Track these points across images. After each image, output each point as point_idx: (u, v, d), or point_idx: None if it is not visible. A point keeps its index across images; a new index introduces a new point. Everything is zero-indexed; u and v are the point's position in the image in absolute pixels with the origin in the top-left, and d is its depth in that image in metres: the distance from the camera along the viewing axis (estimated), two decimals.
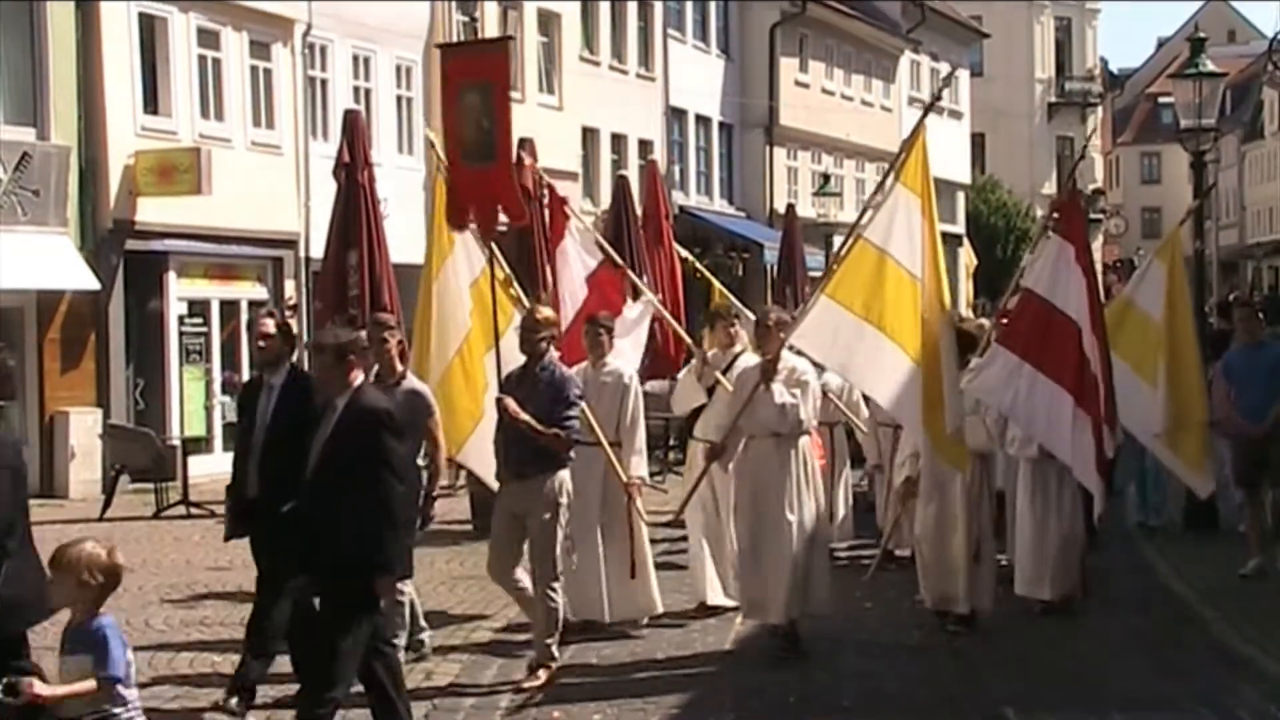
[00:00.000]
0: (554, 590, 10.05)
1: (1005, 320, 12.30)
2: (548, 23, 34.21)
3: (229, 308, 26.06)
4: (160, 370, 24.41)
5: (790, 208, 34.65)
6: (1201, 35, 18.91)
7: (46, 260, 21.56)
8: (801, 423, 10.66)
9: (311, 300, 24.27)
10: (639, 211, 21.97)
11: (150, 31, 24.30)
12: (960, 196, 56.24)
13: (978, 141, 60.32)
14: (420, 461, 10.03)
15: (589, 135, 35.79)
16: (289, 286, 26.80)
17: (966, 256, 54.34)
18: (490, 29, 32.21)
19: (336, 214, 19.05)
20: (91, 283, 22.19)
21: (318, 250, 20.52)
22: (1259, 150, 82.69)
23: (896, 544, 13.08)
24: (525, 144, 22.18)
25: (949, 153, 54.38)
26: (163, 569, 14.95)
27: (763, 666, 10.09)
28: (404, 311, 20.62)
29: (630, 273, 14.51)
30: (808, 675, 10.20)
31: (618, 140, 37.11)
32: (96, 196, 23.03)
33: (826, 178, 38.93)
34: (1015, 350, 11.26)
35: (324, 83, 27.94)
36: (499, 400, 10.08)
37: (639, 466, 11.40)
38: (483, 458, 11.36)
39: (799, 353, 10.99)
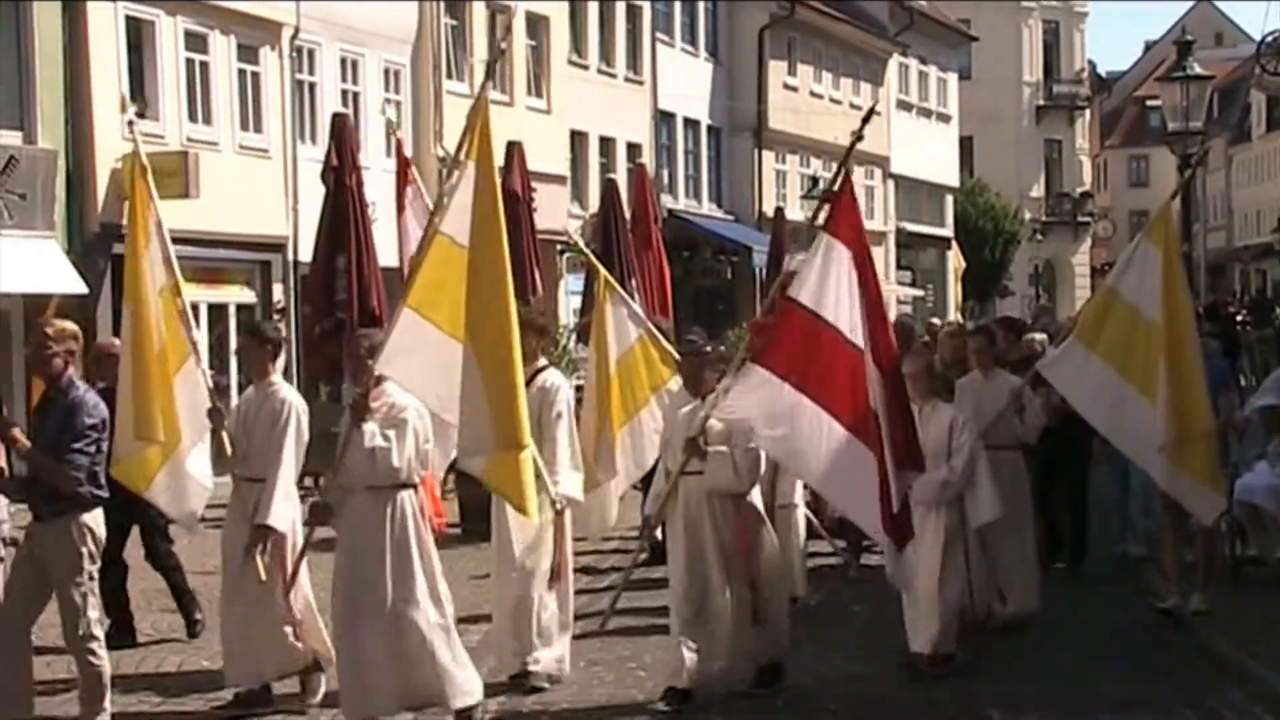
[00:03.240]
0: (93, 651, 8.77)
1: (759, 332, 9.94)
2: (536, 26, 34.20)
3: (217, 312, 26.02)
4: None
5: (779, 211, 34.70)
6: (1189, 38, 18.98)
7: (34, 264, 21.52)
8: (396, 470, 8.73)
9: (300, 304, 24.27)
10: (628, 215, 22.01)
11: (137, 35, 24.28)
12: (948, 199, 56.30)
13: (966, 144, 60.39)
14: None
15: (577, 139, 35.79)
16: (277, 290, 26.78)
17: (955, 260, 54.45)
18: (478, 32, 32.22)
19: (324, 218, 19.09)
20: (79, 286, 22.15)
21: (306, 254, 20.56)
22: (1246, 153, 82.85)
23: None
24: (514, 147, 22.28)
25: (937, 156, 54.49)
26: (150, 574, 14.87)
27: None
28: (392, 313, 20.47)
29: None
30: (794, 679, 10.20)
31: (606, 144, 37.11)
32: (84, 200, 23.00)
33: (815, 181, 38.96)
34: (776, 369, 9.21)
35: (312, 86, 27.93)
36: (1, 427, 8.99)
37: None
38: (178, 493, 10.12)
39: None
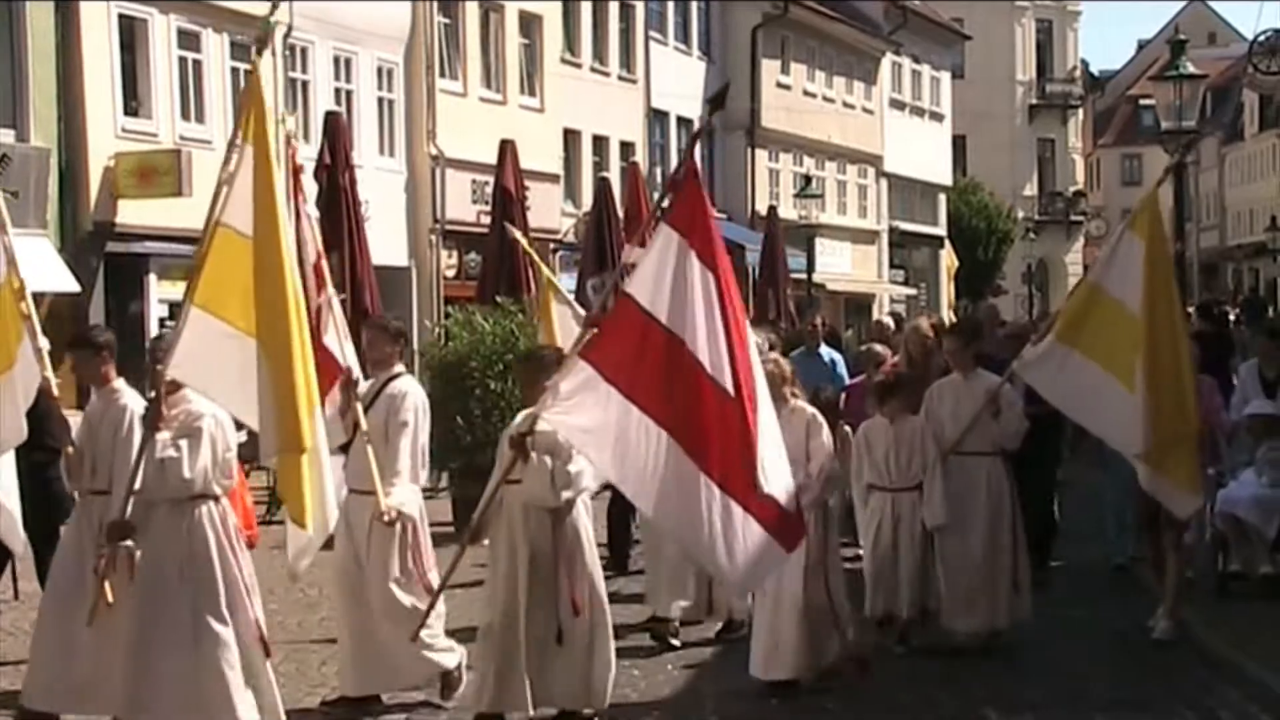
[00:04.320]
0: None
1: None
2: (529, 24, 34.17)
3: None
4: (141, 373, 24.34)
5: (772, 210, 34.69)
6: (1182, 38, 18.97)
7: (26, 262, 21.39)
8: (188, 482, 8.28)
9: None
10: (621, 214, 21.96)
11: (130, 33, 24.25)
12: (941, 199, 56.34)
13: (959, 143, 60.40)
14: None
15: (571, 137, 35.77)
16: None
17: (948, 259, 54.46)
18: (471, 30, 32.20)
19: (318, 216, 19.06)
20: (72, 285, 22.12)
21: None
22: (1239, 152, 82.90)
23: None
24: (507, 146, 22.26)
25: (930, 155, 54.50)
26: None
27: (745, 669, 10.06)
28: (385, 312, 20.58)
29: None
30: None
31: (599, 142, 37.10)
32: (76, 198, 22.97)
33: (808, 180, 38.96)
34: (604, 370, 8.05)
35: (305, 84, 27.91)
36: None
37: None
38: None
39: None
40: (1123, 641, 11.38)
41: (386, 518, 9.22)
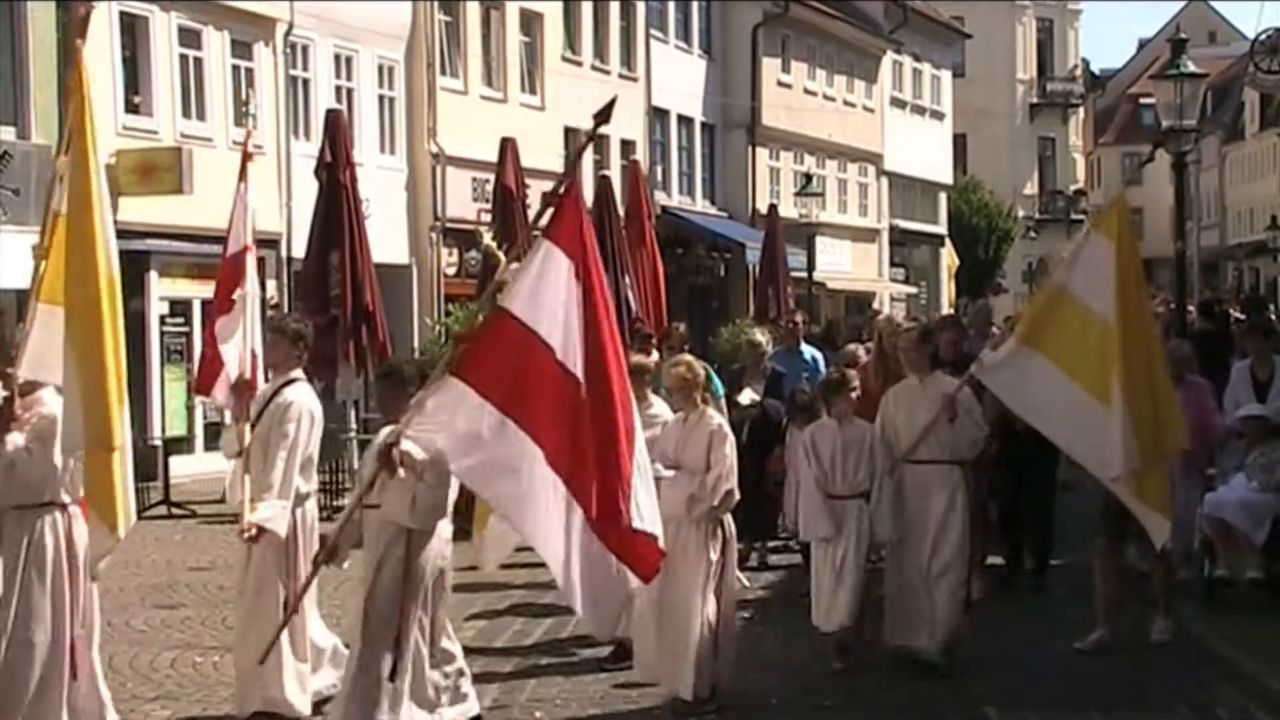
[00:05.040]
0: None
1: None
2: (530, 23, 34.18)
3: (210, 308, 25.97)
4: (141, 370, 24.34)
5: (772, 208, 34.75)
6: (1182, 36, 18.97)
7: (27, 259, 21.46)
8: (38, 487, 8.01)
9: (293, 300, 24.26)
10: (621, 212, 22.01)
11: (131, 31, 24.27)
12: (942, 197, 56.32)
13: (959, 142, 60.40)
14: None
15: (571, 135, 35.73)
16: (270, 286, 26.72)
17: (948, 257, 54.48)
18: (472, 29, 32.22)
19: (318, 214, 19.10)
20: None
21: (299, 250, 20.56)
22: (1240, 151, 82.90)
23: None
24: (508, 143, 22.29)
25: (931, 153, 54.49)
26: (144, 569, 14.90)
27: (745, 667, 10.08)
28: (385, 310, 20.67)
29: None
30: (789, 675, 10.22)
31: (600, 140, 37.09)
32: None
33: (809, 178, 38.96)
34: (478, 385, 7.70)
35: (305, 82, 27.91)
36: None
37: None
38: None
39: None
40: (1122, 639, 11.39)
41: (246, 534, 8.89)
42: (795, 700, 9.68)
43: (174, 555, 15.91)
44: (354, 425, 19.73)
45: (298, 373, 9.25)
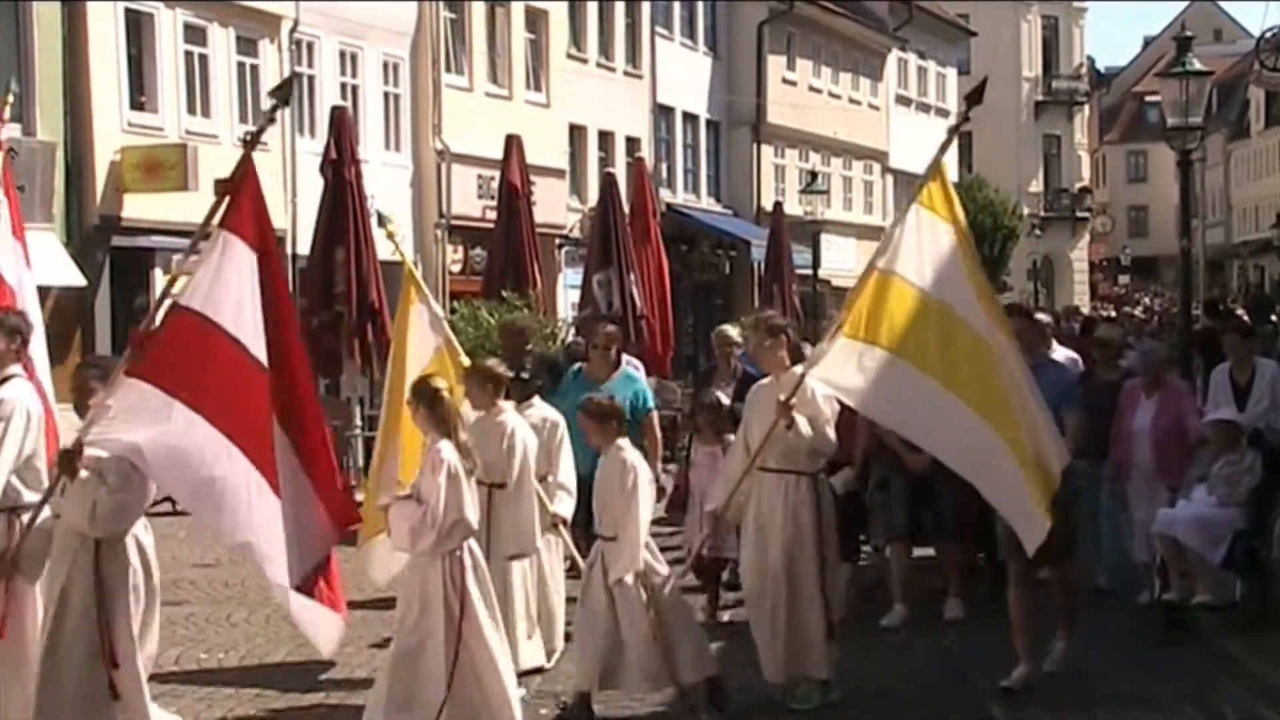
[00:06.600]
0: None
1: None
2: (535, 20, 34.16)
3: None
4: None
5: (777, 205, 34.71)
6: (1188, 34, 18.92)
7: (32, 256, 21.47)
8: None
9: (298, 297, 24.24)
10: (626, 209, 21.99)
11: (136, 27, 24.26)
12: None
13: (964, 140, 60.32)
14: None
15: (576, 133, 35.76)
16: None
17: None
18: (477, 26, 32.21)
19: (323, 211, 19.09)
20: (77, 279, 22.14)
21: (304, 247, 20.52)
22: (1245, 149, 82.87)
23: None
24: (512, 141, 22.28)
25: (936, 150, 54.42)
26: None
27: (750, 664, 10.06)
28: (390, 307, 20.55)
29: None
30: None
31: (605, 138, 37.08)
32: (82, 193, 22.98)
33: (814, 175, 38.93)
34: (162, 384, 7.49)
35: (311, 79, 27.91)
36: None
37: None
38: None
39: None
40: (1128, 637, 11.38)
41: None
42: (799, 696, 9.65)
43: (178, 552, 15.87)
44: (359, 423, 19.71)
45: (14, 369, 8.32)
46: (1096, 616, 11.99)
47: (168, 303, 7.83)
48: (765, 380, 9.61)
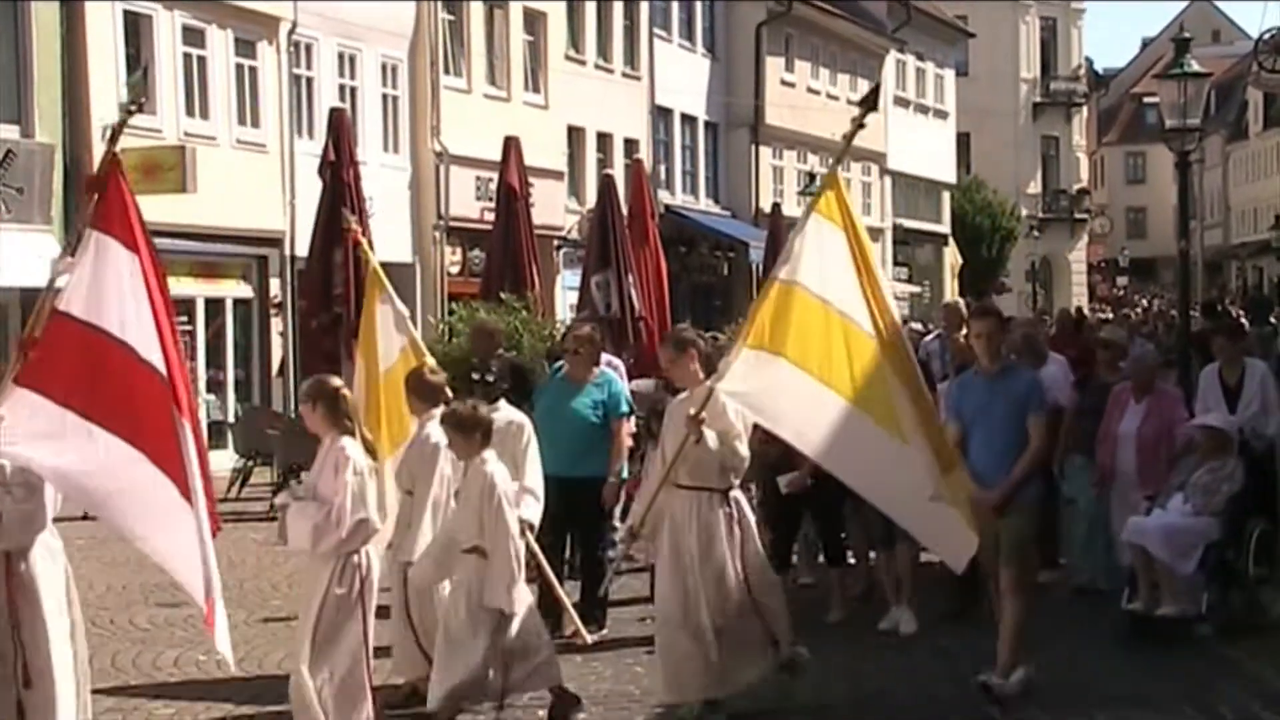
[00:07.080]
0: None
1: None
2: (533, 21, 34.18)
3: (214, 306, 26.05)
4: None
5: (776, 207, 34.67)
6: (1186, 35, 18.93)
7: (31, 258, 21.50)
8: None
9: (296, 299, 24.24)
10: (625, 211, 21.94)
11: (135, 29, 24.28)
12: (945, 196, 56.32)
13: (963, 141, 60.38)
14: None
15: (574, 134, 35.77)
16: (274, 285, 26.78)
17: (951, 256, 54.46)
18: (475, 28, 32.23)
19: (321, 212, 19.06)
20: None
21: (303, 248, 20.52)
22: (1243, 150, 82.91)
23: None
24: (511, 142, 22.27)
25: (934, 152, 54.49)
26: (146, 567, 14.81)
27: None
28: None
29: None
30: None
31: (603, 139, 37.10)
32: (81, 194, 22.96)
33: (812, 177, 38.95)
34: (52, 394, 7.26)
35: (309, 81, 27.93)
36: None
37: None
38: None
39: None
40: (1125, 638, 11.38)
41: None
42: (798, 697, 9.66)
43: None
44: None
45: None
46: (1095, 617, 12.03)
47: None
48: (683, 395, 9.34)
